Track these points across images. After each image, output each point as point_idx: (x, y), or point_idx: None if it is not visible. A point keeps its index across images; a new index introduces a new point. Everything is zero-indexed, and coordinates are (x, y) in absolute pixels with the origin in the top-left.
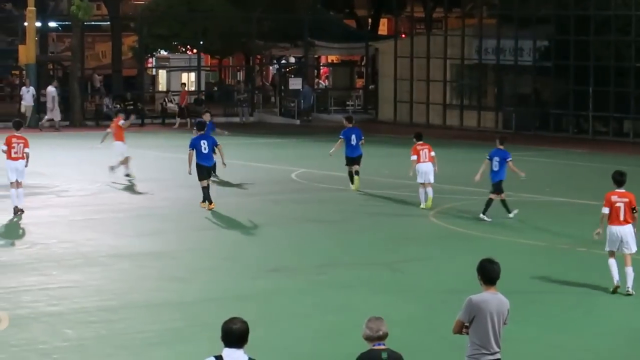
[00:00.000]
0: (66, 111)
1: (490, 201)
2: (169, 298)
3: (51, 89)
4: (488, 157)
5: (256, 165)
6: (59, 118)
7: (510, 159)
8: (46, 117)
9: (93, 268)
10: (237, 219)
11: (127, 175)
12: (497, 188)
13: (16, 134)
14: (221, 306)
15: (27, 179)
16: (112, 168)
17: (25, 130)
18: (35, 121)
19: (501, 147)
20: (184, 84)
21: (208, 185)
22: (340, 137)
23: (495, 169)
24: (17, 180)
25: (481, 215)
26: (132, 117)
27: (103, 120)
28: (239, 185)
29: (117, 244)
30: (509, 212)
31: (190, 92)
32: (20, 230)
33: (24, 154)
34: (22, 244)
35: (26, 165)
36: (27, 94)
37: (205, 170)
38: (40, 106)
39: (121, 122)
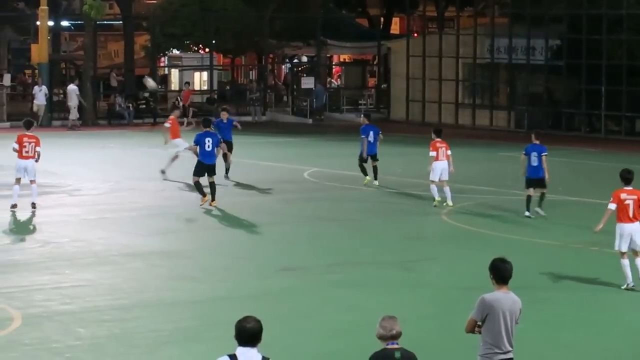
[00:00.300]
0: (78, 110)
1: (542, 196)
2: (181, 297)
3: (73, 87)
4: (524, 153)
5: (268, 164)
6: (75, 117)
7: (545, 153)
8: (71, 116)
9: (105, 267)
10: (249, 218)
11: (164, 172)
12: (540, 184)
13: (27, 133)
14: (234, 305)
15: (39, 178)
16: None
17: (37, 129)
18: (47, 120)
19: (537, 141)
20: (188, 83)
21: (213, 182)
22: (362, 135)
23: (534, 164)
24: (29, 180)
25: (541, 212)
26: (177, 112)
27: (116, 119)
28: (251, 185)
29: (129, 242)
30: (528, 210)
31: (202, 92)
32: (33, 229)
33: (35, 153)
34: (34, 243)
35: (37, 161)
36: (40, 93)
37: (205, 167)
38: (52, 105)
39: (167, 124)
